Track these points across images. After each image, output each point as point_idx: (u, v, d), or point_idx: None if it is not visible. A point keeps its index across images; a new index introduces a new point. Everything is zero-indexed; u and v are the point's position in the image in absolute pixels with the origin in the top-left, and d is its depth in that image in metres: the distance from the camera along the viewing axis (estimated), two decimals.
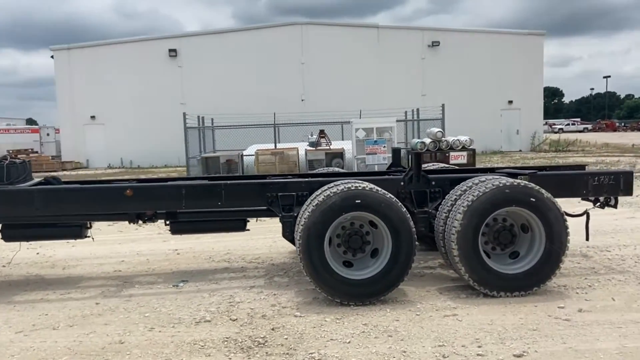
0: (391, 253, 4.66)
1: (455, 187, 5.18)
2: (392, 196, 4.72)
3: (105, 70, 28.74)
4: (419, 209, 5.30)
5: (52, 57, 29.38)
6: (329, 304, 4.64)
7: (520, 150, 30.47)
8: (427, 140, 14.55)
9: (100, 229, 8.33)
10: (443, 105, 17.10)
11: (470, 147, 14.48)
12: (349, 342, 3.81)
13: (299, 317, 4.35)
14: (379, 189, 4.69)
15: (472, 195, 4.75)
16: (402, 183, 5.37)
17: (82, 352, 3.75)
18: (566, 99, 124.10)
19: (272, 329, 4.09)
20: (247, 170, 14.55)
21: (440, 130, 14.66)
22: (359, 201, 4.59)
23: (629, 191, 5.57)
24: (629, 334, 3.84)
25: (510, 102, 30.76)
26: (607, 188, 5.52)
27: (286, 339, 3.90)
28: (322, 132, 15.09)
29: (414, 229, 4.68)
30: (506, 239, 4.93)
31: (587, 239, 5.91)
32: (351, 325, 4.15)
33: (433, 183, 5.35)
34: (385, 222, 4.63)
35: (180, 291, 5.20)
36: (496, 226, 4.94)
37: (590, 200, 5.88)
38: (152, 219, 5.43)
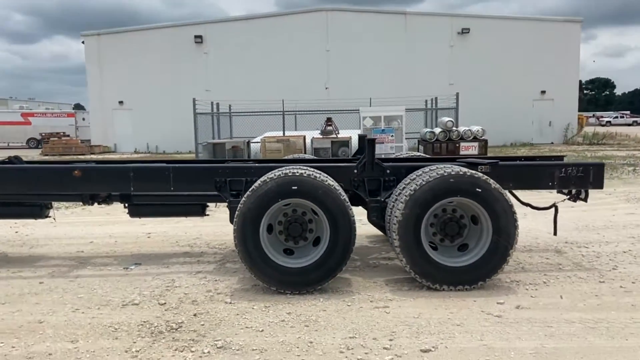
0: (329, 242, 4.54)
1: (407, 177, 4.99)
2: (333, 183, 4.60)
3: (133, 56, 29.27)
4: (371, 197, 5.15)
5: (82, 42, 30.08)
6: (266, 292, 4.58)
7: (552, 143, 29.51)
8: (437, 130, 14.40)
9: (91, 211, 8.51)
10: (457, 94, 16.69)
11: (483, 137, 14.26)
12: (262, 331, 3.73)
13: (227, 304, 4.30)
14: (318, 175, 4.57)
15: (415, 185, 4.57)
16: (355, 171, 5.22)
17: None
18: (619, 91, 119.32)
19: (194, 315, 4.05)
20: (254, 157, 14.56)
21: (451, 119, 14.52)
22: (296, 187, 4.48)
23: (599, 184, 5.27)
24: (556, 334, 3.63)
25: (543, 92, 29.77)
26: (575, 180, 5.23)
27: (202, 325, 3.85)
28: (329, 120, 14.93)
29: (353, 218, 4.55)
30: (453, 230, 4.74)
31: (555, 233, 5.65)
32: (275, 313, 4.07)
33: (388, 171, 5.17)
34: (323, 209, 4.51)
35: (127, 274, 5.23)
36: (444, 217, 4.76)
37: (563, 193, 5.60)
38: (106, 200, 5.46)
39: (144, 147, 29.64)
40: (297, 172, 4.53)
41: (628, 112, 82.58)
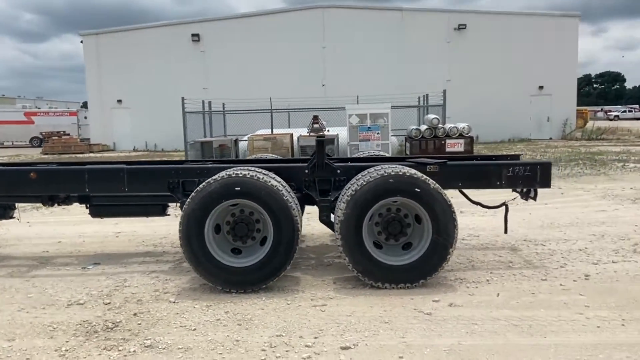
0: (272, 241, 4.65)
1: (355, 177, 5.08)
2: (277, 184, 4.69)
3: (131, 55, 29.46)
4: (322, 197, 5.24)
5: (81, 42, 30.30)
6: (213, 291, 4.69)
7: (551, 139, 29.41)
8: (423, 127, 14.42)
9: (70, 210, 8.64)
10: (444, 92, 16.70)
11: (469, 134, 14.30)
12: (194, 330, 3.85)
13: (171, 303, 4.41)
14: (262, 176, 4.67)
15: (357, 185, 4.67)
16: (306, 171, 5.31)
17: None
18: (630, 85, 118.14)
19: (134, 314, 4.16)
20: (241, 156, 14.69)
21: (437, 117, 14.56)
22: (239, 188, 4.59)
23: (546, 183, 5.32)
24: (477, 331, 3.72)
25: (541, 87, 29.65)
26: (522, 179, 5.29)
27: (139, 324, 3.97)
28: (316, 117, 15.02)
29: (296, 218, 4.65)
30: (396, 229, 4.83)
31: (506, 231, 5.71)
32: (213, 312, 4.18)
33: (338, 171, 5.26)
34: (267, 209, 4.61)
35: (83, 273, 5.36)
36: (388, 216, 4.85)
37: (517, 192, 5.66)
38: (65, 201, 5.60)
39: (143, 145, 29.86)
40: (241, 174, 4.63)
41: (637, 106, 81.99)
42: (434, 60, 28.91)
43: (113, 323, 3.98)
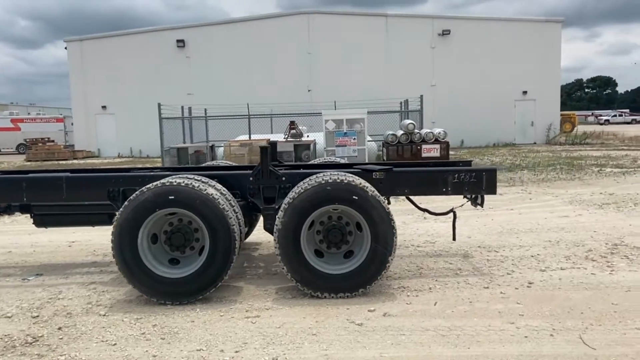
0: (209, 251, 4.56)
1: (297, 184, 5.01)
2: (214, 192, 4.60)
3: (115, 61, 29.35)
4: (267, 205, 5.16)
5: (65, 48, 30.15)
6: (147, 303, 4.59)
7: (535, 143, 29.51)
8: (399, 132, 14.37)
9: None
10: (421, 97, 16.67)
11: (444, 139, 14.26)
12: (115, 345, 3.75)
13: (100, 316, 4.31)
14: (198, 184, 4.58)
15: (294, 193, 4.60)
16: (250, 178, 5.23)
17: None
18: (623, 89, 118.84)
19: (59, 328, 4.06)
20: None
21: (412, 122, 14.50)
22: (173, 197, 4.50)
23: (492, 189, 5.27)
24: (403, 342, 3.65)
25: (525, 92, 29.79)
26: (468, 186, 5.23)
27: (60, 339, 3.86)
28: (292, 123, 14.95)
29: (233, 227, 4.56)
30: (336, 237, 4.76)
31: (454, 238, 5.65)
32: (141, 326, 4.09)
33: (283, 179, 5.19)
34: (202, 219, 4.53)
35: (22, 285, 5.25)
36: (329, 224, 4.78)
37: (468, 198, 5.61)
38: (7, 211, 5.49)
39: (128, 151, 29.70)
40: (175, 182, 4.55)
41: (627, 110, 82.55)
42: (419, 66, 29.00)
43: (34, 338, 3.88)
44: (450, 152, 24.81)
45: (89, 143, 30.20)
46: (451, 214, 5.62)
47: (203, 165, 6.61)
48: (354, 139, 13.92)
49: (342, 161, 6.57)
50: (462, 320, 4.03)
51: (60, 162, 27.18)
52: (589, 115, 79.05)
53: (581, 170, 14.71)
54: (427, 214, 5.81)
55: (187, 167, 6.24)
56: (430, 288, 4.84)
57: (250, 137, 15.95)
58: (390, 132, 14.27)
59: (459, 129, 28.54)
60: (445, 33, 29.14)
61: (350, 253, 4.82)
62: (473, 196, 5.46)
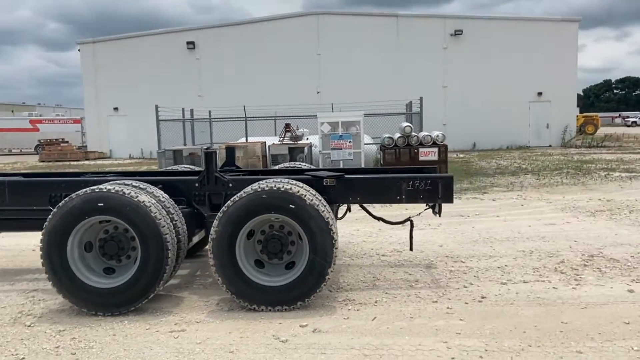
0: (140, 261, 4.39)
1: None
2: (145, 199, 4.42)
3: (127, 63, 29.59)
4: (212, 212, 4.97)
5: (78, 50, 30.50)
6: (80, 315, 4.43)
7: (550, 146, 28.78)
8: (396, 136, 14.04)
9: None
10: (421, 99, 16.28)
11: (442, 142, 13.90)
12: (23, 359, 3.60)
13: (24, 327, 4.18)
14: (129, 191, 4.40)
15: (231, 201, 4.40)
16: (196, 184, 5.06)
17: None
18: None
19: None
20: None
21: (409, 125, 14.18)
22: (102, 204, 4.34)
23: (448, 198, 4.99)
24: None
25: (540, 94, 29.09)
26: (423, 194, 4.97)
27: None
28: (287, 125, 14.76)
29: (166, 235, 4.37)
30: (275, 247, 4.54)
31: (411, 249, 5.39)
32: (59, 339, 3.93)
33: (230, 185, 5.00)
34: (132, 227, 4.36)
35: None
36: (270, 233, 4.57)
37: (429, 207, 5.35)
38: None
39: (139, 152, 29.89)
40: (105, 189, 4.38)
41: None
42: (430, 67, 28.56)
43: None
44: (460, 155, 24.41)
45: (101, 144, 30.49)
46: (408, 224, 5.35)
47: (156, 170, 6.44)
48: (350, 142, 13.66)
49: (305, 167, 6.34)
50: (394, 338, 3.78)
51: (72, 162, 27.48)
52: (615, 117, 77.15)
53: (587, 175, 14.23)
54: (383, 223, 5.53)
55: (135, 173, 6.08)
56: (376, 301, 4.59)
57: (247, 140, 15.80)
58: (387, 135, 13.96)
59: (471, 131, 28.08)
60: (458, 33, 28.65)
61: (292, 264, 4.61)
62: (431, 205, 5.21)
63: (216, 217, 4.40)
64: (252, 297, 4.40)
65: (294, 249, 4.62)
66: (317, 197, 4.50)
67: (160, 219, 4.37)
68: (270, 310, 4.39)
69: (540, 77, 28.61)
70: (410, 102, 18.35)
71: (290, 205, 4.30)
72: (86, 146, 31.91)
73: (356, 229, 7.61)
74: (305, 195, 4.33)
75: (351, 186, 5.03)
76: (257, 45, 28.57)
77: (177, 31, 29.94)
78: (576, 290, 4.76)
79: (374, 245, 6.74)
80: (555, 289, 4.83)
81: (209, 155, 5.02)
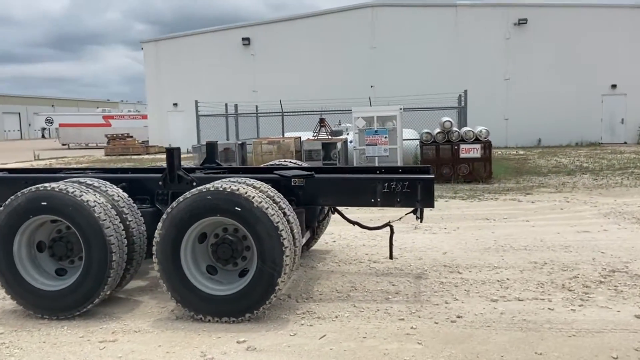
0: (84, 263, 4.16)
1: None
2: (90, 199, 4.17)
3: (186, 60, 30.18)
4: None
5: (142, 49, 31.48)
6: (29, 317, 4.27)
7: (625, 143, 26.59)
8: (436, 131, 13.31)
9: None
10: (465, 92, 15.38)
11: (486, 138, 13.05)
12: None
13: None
14: (73, 190, 4.17)
15: (175, 202, 4.07)
16: (160, 183, 4.78)
17: None
18: None
19: None
20: (248, 160, 14.38)
21: (449, 119, 13.41)
22: (45, 203, 4.14)
23: (428, 202, 4.43)
24: None
25: (614, 86, 26.94)
26: (400, 197, 4.44)
27: None
28: (322, 120, 14.34)
29: (109, 237, 4.10)
30: (226, 253, 4.17)
31: (391, 257, 4.87)
32: None
33: (194, 184, 4.68)
34: (75, 227, 4.13)
35: None
36: (223, 237, 4.21)
37: (411, 211, 4.80)
38: None
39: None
40: (49, 187, 4.18)
41: None
42: (491, 59, 27.13)
43: None
44: (520, 152, 23.02)
45: (161, 139, 31.31)
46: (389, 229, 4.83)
47: (143, 167, 6.24)
48: (385, 137, 13.04)
49: (292, 164, 5.90)
50: None
51: (133, 156, 28.45)
52: None
53: None
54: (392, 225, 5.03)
55: (104, 169, 5.90)
56: (337, 316, 4.13)
57: (283, 135, 15.55)
58: (425, 131, 13.23)
59: (536, 126, 26.48)
60: (522, 22, 27.03)
61: (246, 272, 4.22)
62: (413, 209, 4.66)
63: (160, 219, 4.09)
64: (198, 307, 4.06)
65: (250, 255, 4.23)
66: (271, 199, 4.09)
67: (105, 220, 4.11)
68: (217, 321, 4.03)
69: (614, 68, 26.48)
70: (460, 95, 17.36)
71: (236, 208, 3.91)
72: (147, 141, 32.91)
73: (362, 232, 7.09)
74: (253, 197, 3.93)
75: (321, 187, 4.59)
76: (310, 40, 28.28)
77: (232, 28, 30.19)
78: (574, 313, 4.07)
79: (371, 250, 6.22)
80: (551, 310, 4.16)
81: (171, 152, 4.72)
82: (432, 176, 4.46)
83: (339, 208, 5.18)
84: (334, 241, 6.67)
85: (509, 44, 27.25)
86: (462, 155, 12.82)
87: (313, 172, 4.61)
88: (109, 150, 30.59)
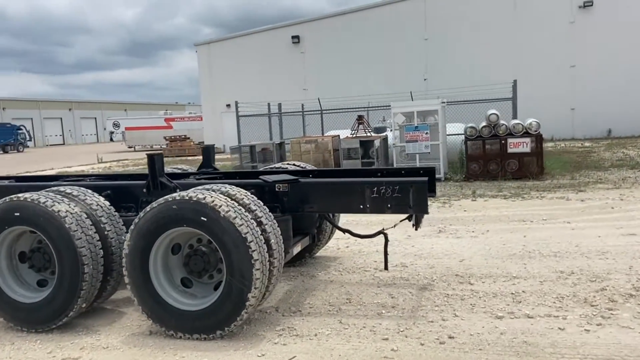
0: (57, 275, 4.03)
1: None
2: (62, 209, 4.02)
3: (237, 61, 30.46)
4: None
5: (196, 52, 32.10)
6: (9, 330, 4.20)
7: None
8: (481, 125, 12.55)
9: None
10: (515, 82, 14.37)
11: (536, 131, 12.20)
12: None
13: None
14: (45, 200, 4.03)
15: (142, 211, 3.85)
16: (144, 190, 4.60)
17: None
18: None
19: None
20: (287, 158, 14.18)
21: (495, 112, 12.64)
22: (18, 214, 4.03)
23: (421, 207, 3.99)
24: None
25: None
26: (391, 202, 4.03)
27: None
28: (360, 117, 13.87)
29: (81, 249, 3.95)
30: (198, 265, 3.91)
31: (386, 267, 4.46)
32: None
33: (178, 190, 4.46)
34: (47, 238, 4.01)
35: None
36: (196, 248, 3.96)
37: (406, 217, 4.39)
38: None
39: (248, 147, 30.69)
40: (22, 197, 4.08)
41: None
42: (554, 44, 25.53)
43: None
44: (585, 144, 21.53)
45: (216, 139, 31.76)
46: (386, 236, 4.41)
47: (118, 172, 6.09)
48: (426, 133, 12.42)
49: (292, 168, 5.53)
50: None
51: (189, 157, 29.07)
52: None
53: None
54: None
55: (105, 176, 5.80)
56: (317, 334, 3.78)
57: (322, 134, 15.23)
58: (469, 125, 12.49)
59: (605, 116, 24.72)
60: (587, 5, 25.30)
61: (220, 285, 3.94)
62: (412, 217, 4.23)
63: (129, 230, 3.88)
64: (168, 322, 3.83)
65: (220, 267, 3.95)
66: (245, 207, 3.80)
67: (76, 231, 3.96)
68: (189, 338, 3.79)
69: None
70: (514, 83, 16.29)
71: (202, 218, 3.64)
72: (203, 142, 33.53)
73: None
74: (220, 206, 3.64)
75: (307, 192, 4.24)
76: (360, 34, 27.77)
77: (282, 26, 30.15)
78: (587, 335, 3.52)
79: (382, 256, 5.78)
80: (561, 330, 3.62)
81: (152, 158, 4.51)
82: (426, 179, 4.01)
83: (335, 214, 4.81)
84: (347, 247, 6.29)
85: (574, 29, 25.60)
86: (510, 150, 12.02)
87: (298, 177, 4.27)
88: (167, 151, 31.38)
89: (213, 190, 3.89)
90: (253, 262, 3.59)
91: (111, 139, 57.79)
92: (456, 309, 4.13)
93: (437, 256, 5.70)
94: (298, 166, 5.64)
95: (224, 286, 3.69)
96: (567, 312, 3.95)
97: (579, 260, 5.27)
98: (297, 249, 4.71)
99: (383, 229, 4.46)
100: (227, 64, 30.84)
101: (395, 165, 12.71)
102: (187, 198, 3.71)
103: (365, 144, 12.98)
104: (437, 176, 12.35)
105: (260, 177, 4.45)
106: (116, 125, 52.20)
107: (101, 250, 4.10)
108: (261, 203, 3.99)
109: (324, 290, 4.77)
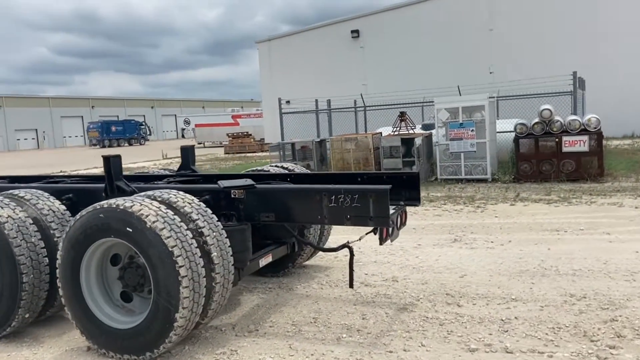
0: None
1: None
2: (2, 214, 3.83)
3: (297, 58, 30.35)
4: None
5: (257, 49, 32.29)
6: None
7: None
8: (534, 121, 11.54)
9: None
10: (574, 74, 13.08)
11: (596, 128, 11.07)
12: None
13: None
14: None
15: (73, 220, 3.58)
16: (103, 194, 4.35)
17: None
18: None
19: None
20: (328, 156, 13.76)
21: (548, 108, 11.65)
22: None
23: (382, 220, 3.46)
24: None
25: None
26: (349, 213, 3.52)
27: None
28: (402, 114, 13.14)
29: (20, 257, 3.75)
30: (133, 279, 3.60)
31: (351, 285, 3.94)
32: None
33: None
34: None
35: None
36: (132, 260, 3.65)
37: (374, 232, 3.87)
38: None
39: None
40: None
41: None
42: (634, 29, 23.32)
43: None
44: None
45: (275, 136, 31.87)
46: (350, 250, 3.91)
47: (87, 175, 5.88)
48: (472, 130, 11.56)
49: (290, 170, 5.11)
50: None
51: (248, 154, 29.32)
52: None
53: None
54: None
55: (88, 177, 5.61)
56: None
57: (366, 131, 14.64)
58: (519, 122, 11.50)
59: None
60: None
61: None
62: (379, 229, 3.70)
63: (61, 239, 3.62)
64: (99, 340, 3.54)
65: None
66: (184, 217, 3.43)
67: (15, 237, 3.77)
68: (119, 358, 3.48)
69: None
70: (575, 73, 14.93)
71: (127, 229, 3.31)
72: (263, 139, 33.76)
73: (385, 246, 6.11)
74: (147, 216, 3.29)
75: (263, 199, 3.82)
76: (420, 27, 26.78)
77: (341, 21, 29.67)
78: None
79: (378, 268, 5.26)
80: None
81: (108, 160, 4.24)
82: (387, 187, 3.45)
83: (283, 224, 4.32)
84: (346, 255, 5.76)
85: None
86: (565, 149, 10.95)
87: (254, 183, 3.84)
88: (228, 148, 31.83)
89: (152, 198, 3.55)
90: (180, 279, 3.21)
91: (183, 136, 59.73)
92: (427, 337, 3.56)
93: (437, 270, 5.09)
94: (286, 169, 5.23)
95: (151, 304, 3.35)
96: (557, 348, 3.28)
97: (599, 281, 4.50)
98: (265, 260, 4.29)
99: (348, 242, 3.95)
100: (287, 60, 30.83)
101: (438, 165, 11.97)
102: (114, 206, 3.39)
103: (407, 142, 12.29)
104: (483, 177, 11.63)
105: (219, 181, 4.06)
106: (187, 122, 53.78)
107: (46, 259, 3.88)
108: (208, 211, 3.61)
109: (294, 306, 4.33)
